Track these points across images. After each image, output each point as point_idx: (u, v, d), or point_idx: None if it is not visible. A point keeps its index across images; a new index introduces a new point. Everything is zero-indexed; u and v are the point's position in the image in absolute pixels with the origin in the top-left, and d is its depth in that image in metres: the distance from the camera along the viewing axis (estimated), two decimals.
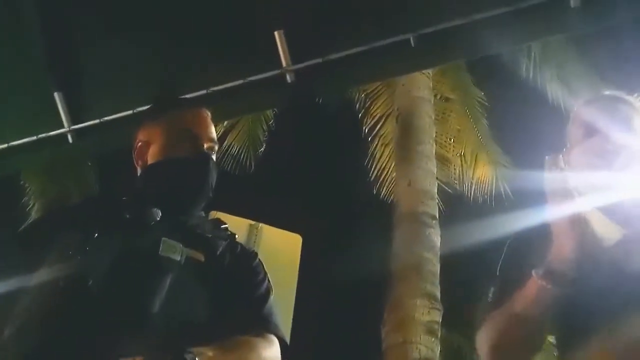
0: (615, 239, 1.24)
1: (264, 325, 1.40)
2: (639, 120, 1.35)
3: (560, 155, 1.41)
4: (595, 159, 1.31)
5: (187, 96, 2.15)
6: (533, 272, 1.22)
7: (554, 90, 6.75)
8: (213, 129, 1.57)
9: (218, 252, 1.45)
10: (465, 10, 1.90)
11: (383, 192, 7.47)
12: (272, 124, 7.64)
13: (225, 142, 7.47)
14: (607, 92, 1.45)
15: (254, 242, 3.30)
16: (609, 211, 1.30)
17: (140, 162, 1.55)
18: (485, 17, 1.88)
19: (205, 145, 1.52)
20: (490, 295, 1.39)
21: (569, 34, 4.59)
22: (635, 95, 1.40)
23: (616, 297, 1.18)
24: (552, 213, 1.22)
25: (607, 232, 1.25)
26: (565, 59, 6.81)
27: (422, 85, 6.68)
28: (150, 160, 1.52)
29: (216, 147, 1.56)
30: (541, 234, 1.28)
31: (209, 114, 1.58)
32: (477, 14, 1.89)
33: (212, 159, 1.52)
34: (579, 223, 1.19)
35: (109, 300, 1.29)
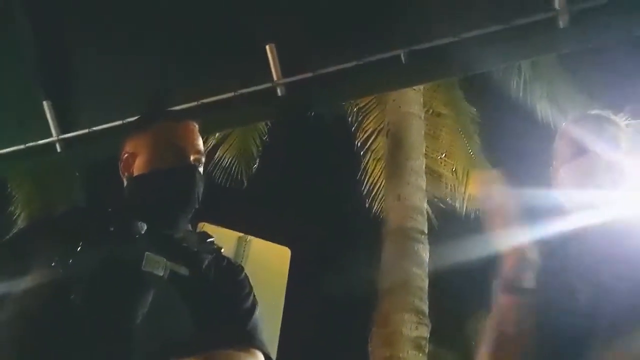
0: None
1: (248, 340, 1.39)
2: (625, 139, 1.37)
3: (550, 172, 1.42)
4: (583, 178, 1.31)
5: (178, 108, 2.15)
6: (493, 288, 1.24)
7: (544, 108, 6.82)
8: (200, 141, 1.56)
9: (203, 266, 1.44)
10: (456, 28, 1.92)
11: (374, 206, 7.48)
12: (265, 138, 7.65)
13: (217, 154, 7.46)
14: (593, 112, 1.46)
15: (243, 254, 3.29)
16: (600, 230, 1.30)
17: (126, 174, 1.54)
18: (476, 35, 1.90)
19: (192, 157, 1.51)
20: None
21: (558, 53, 4.64)
22: (621, 114, 1.41)
23: (604, 318, 1.17)
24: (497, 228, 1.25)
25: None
26: (554, 77, 6.88)
27: (412, 101, 6.71)
28: (136, 172, 1.51)
29: (203, 159, 1.55)
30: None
31: (197, 125, 1.58)
32: (467, 32, 1.90)
33: (198, 170, 1.52)
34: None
35: (90, 314, 1.28)
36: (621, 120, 1.40)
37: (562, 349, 1.19)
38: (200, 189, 1.51)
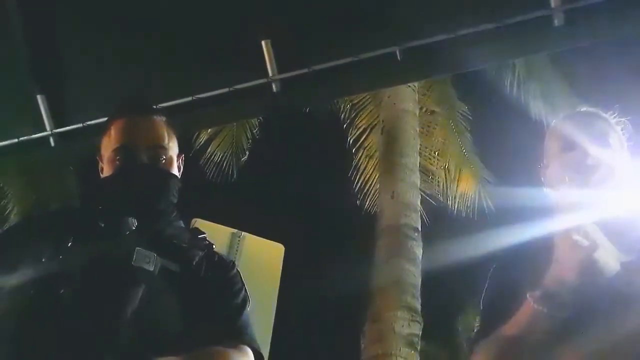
0: (615, 267, 1.19)
1: (238, 336, 1.39)
2: (615, 136, 1.37)
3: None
4: (572, 173, 1.31)
5: (173, 103, 2.15)
6: (528, 295, 1.19)
7: (537, 107, 6.84)
8: (158, 133, 1.49)
9: (194, 262, 1.43)
10: (451, 26, 1.93)
11: (367, 203, 7.49)
12: (256, 132, 7.63)
13: (209, 149, 7.45)
14: (583, 109, 1.47)
15: (236, 250, 3.28)
16: (609, 236, 1.29)
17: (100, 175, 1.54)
18: (471, 32, 1.90)
19: (144, 155, 1.46)
20: (477, 327, 1.37)
21: (552, 52, 4.66)
22: (611, 112, 1.41)
23: (616, 326, 1.16)
24: (557, 233, 1.19)
25: (610, 259, 1.19)
26: (548, 76, 6.91)
27: (407, 98, 6.72)
28: (101, 175, 1.52)
29: (164, 151, 1.48)
30: (531, 255, 1.27)
31: (155, 117, 1.52)
32: (462, 29, 1.91)
33: (152, 167, 1.46)
34: (584, 247, 1.14)
35: (80, 309, 1.27)
36: (611, 117, 1.40)
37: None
38: (162, 183, 1.47)
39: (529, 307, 1.18)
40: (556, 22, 1.83)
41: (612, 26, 1.87)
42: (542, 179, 1.42)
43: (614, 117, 1.40)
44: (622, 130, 1.39)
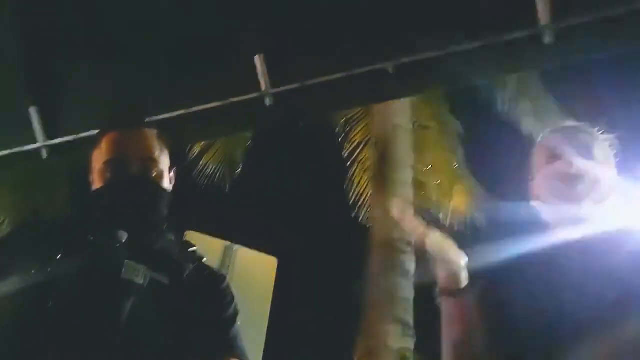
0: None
1: (229, 349, 1.39)
2: (599, 149, 1.39)
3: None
4: (557, 182, 1.33)
5: (166, 116, 2.15)
6: (435, 296, 1.29)
7: (528, 124, 6.89)
8: (148, 145, 1.49)
9: (184, 275, 1.43)
10: (443, 43, 1.95)
11: (361, 216, 7.49)
12: (249, 145, 7.63)
13: (202, 162, 7.44)
14: (569, 123, 1.49)
15: (230, 263, 3.28)
16: (574, 242, 1.31)
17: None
18: (462, 49, 1.93)
19: (134, 167, 1.46)
20: None
21: (543, 69, 4.71)
22: (596, 128, 1.43)
23: (567, 327, 1.19)
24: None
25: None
26: (539, 93, 6.96)
27: (400, 112, 6.75)
28: (91, 187, 1.51)
29: (155, 164, 1.48)
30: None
31: (146, 131, 1.53)
32: (454, 46, 1.93)
33: (142, 179, 1.45)
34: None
35: (68, 323, 1.27)
36: (596, 132, 1.42)
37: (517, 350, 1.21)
38: (152, 196, 1.47)
39: (443, 305, 1.33)
40: (546, 40, 1.85)
41: (601, 43, 1.89)
42: (530, 192, 1.44)
43: (601, 133, 1.42)
44: (609, 145, 1.41)
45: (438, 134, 7.72)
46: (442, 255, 1.30)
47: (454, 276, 1.29)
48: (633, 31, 1.80)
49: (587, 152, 1.35)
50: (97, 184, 1.49)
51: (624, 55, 2.00)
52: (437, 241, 1.30)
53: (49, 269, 1.33)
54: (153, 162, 1.48)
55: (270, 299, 3.36)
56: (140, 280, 1.32)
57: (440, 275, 1.31)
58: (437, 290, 1.31)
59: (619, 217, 1.32)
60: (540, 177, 1.38)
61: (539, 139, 1.46)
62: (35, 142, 2.38)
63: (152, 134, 1.53)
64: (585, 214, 1.31)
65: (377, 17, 2.05)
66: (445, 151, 7.72)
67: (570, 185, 1.31)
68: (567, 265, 1.27)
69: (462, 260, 1.30)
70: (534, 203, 1.42)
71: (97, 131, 1.60)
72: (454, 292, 1.29)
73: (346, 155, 7.60)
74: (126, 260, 1.33)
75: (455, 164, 7.71)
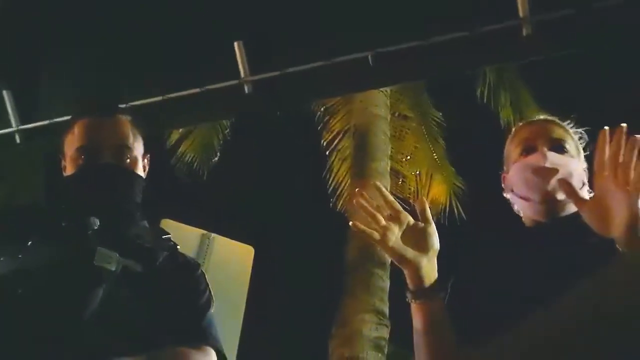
0: None
1: (201, 337, 1.38)
2: (572, 143, 1.40)
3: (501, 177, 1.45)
4: (530, 174, 1.34)
5: (144, 102, 2.13)
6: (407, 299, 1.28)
7: (507, 115, 6.96)
8: (122, 133, 1.47)
9: (157, 262, 1.42)
10: (422, 33, 1.95)
11: (339, 206, 7.50)
12: (228, 132, 7.58)
13: (180, 149, 7.38)
14: (542, 116, 1.50)
15: (206, 252, 3.25)
16: (542, 226, 1.33)
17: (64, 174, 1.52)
18: (442, 40, 1.93)
19: (107, 154, 1.44)
20: None
21: (521, 61, 4.75)
22: (568, 122, 1.45)
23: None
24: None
25: None
26: (518, 85, 7.03)
27: (379, 102, 6.76)
28: (64, 174, 1.49)
29: (128, 151, 1.46)
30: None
31: (124, 117, 1.51)
32: (434, 37, 1.94)
33: (115, 167, 1.44)
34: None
35: (39, 310, 1.26)
36: (568, 125, 1.43)
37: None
38: (125, 183, 1.45)
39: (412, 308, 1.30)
40: (524, 32, 1.87)
41: (580, 37, 1.91)
42: (503, 185, 1.45)
43: (571, 126, 1.44)
44: (579, 139, 1.43)
45: (417, 124, 7.75)
46: (399, 257, 1.27)
47: (416, 276, 1.26)
48: (611, 24, 1.82)
49: (559, 145, 1.37)
50: (69, 170, 1.47)
51: (601, 49, 2.03)
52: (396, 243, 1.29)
53: (20, 256, 1.31)
54: (126, 148, 1.46)
55: (247, 288, 3.35)
56: (112, 267, 1.31)
57: (406, 274, 1.29)
58: (406, 292, 1.29)
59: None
60: (514, 170, 1.38)
61: (512, 132, 1.47)
62: (8, 126, 2.34)
63: (125, 120, 1.51)
64: (557, 207, 1.32)
65: (357, 7, 2.05)
66: (424, 141, 7.76)
67: (544, 178, 1.32)
68: (537, 255, 1.28)
69: (423, 259, 1.26)
70: (507, 195, 1.43)
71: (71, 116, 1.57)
72: (422, 292, 1.25)
73: (325, 144, 7.60)
74: (98, 247, 1.31)
75: (435, 154, 7.76)
